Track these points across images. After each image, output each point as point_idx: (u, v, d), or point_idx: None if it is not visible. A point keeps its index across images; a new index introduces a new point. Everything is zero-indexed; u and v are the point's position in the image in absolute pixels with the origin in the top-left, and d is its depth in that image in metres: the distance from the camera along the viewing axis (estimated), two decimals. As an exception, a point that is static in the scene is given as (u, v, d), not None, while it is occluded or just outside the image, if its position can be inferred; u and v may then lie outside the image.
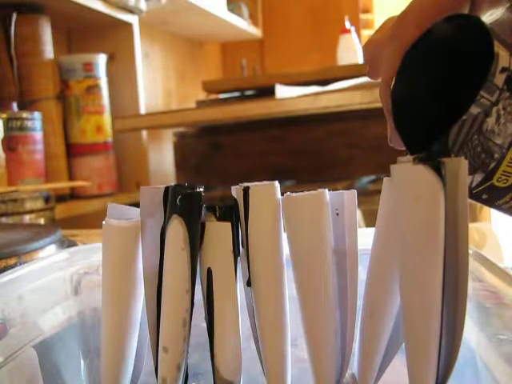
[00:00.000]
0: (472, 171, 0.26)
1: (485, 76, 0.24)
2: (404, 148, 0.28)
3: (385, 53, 0.28)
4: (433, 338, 0.20)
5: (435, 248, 0.20)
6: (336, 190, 0.25)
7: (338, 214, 0.24)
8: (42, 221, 0.86)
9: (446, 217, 0.20)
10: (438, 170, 0.20)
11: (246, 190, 0.24)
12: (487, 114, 0.24)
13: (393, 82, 0.28)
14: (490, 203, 0.28)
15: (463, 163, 0.21)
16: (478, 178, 0.26)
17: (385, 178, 0.23)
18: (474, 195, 0.28)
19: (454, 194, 0.20)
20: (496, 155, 0.25)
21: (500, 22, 0.28)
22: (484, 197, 0.28)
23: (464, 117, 0.24)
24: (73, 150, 1.20)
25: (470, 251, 0.31)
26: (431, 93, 0.28)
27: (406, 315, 0.21)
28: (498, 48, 0.24)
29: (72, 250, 0.40)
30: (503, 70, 0.24)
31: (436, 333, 0.20)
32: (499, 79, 0.24)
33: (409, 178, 0.20)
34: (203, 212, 0.24)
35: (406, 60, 0.27)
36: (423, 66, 0.28)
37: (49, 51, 1.11)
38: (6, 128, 0.95)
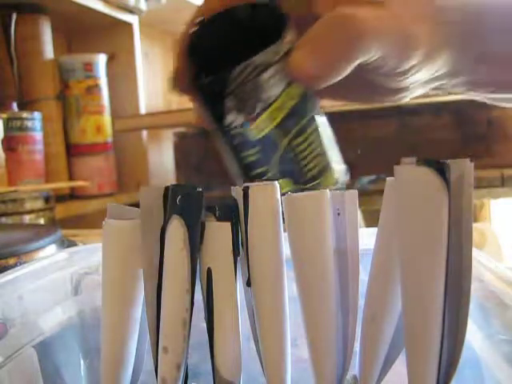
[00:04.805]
0: (237, 112, 0.29)
1: (278, 37, 0.28)
2: (187, 93, 0.32)
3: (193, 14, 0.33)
4: (434, 340, 0.20)
5: (438, 250, 0.20)
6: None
7: (339, 214, 0.24)
8: (42, 221, 0.86)
9: (449, 219, 0.20)
10: (442, 171, 0.20)
11: (245, 190, 0.24)
12: (266, 69, 0.28)
13: (194, 29, 0.32)
14: (238, 151, 0.32)
15: (469, 165, 0.20)
16: (239, 120, 0.30)
17: (388, 179, 0.23)
18: (230, 135, 0.31)
19: (458, 196, 0.20)
20: (260, 106, 0.29)
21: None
22: (236, 142, 0.31)
23: (248, 61, 0.28)
24: (73, 150, 1.20)
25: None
26: (229, 41, 0.32)
27: (407, 317, 0.21)
28: (290, 26, 0.29)
29: (72, 249, 0.40)
30: (289, 42, 0.29)
31: (437, 335, 0.20)
32: (285, 47, 0.29)
33: (412, 180, 0.20)
34: (203, 212, 0.24)
35: (213, 16, 0.32)
36: (226, 23, 0.32)
37: (49, 51, 1.11)
38: (6, 128, 0.95)
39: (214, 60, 0.32)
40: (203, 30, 0.32)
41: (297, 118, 0.31)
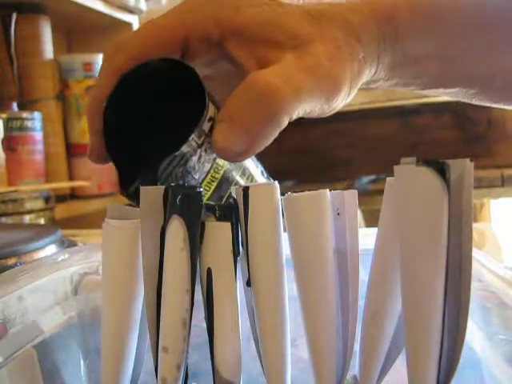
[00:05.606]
0: None
1: (197, 122, 0.28)
2: (105, 163, 0.31)
3: (100, 73, 0.31)
4: (434, 340, 0.20)
5: (438, 250, 0.20)
6: (336, 190, 0.25)
7: (339, 214, 0.24)
8: (42, 221, 0.86)
9: (449, 219, 0.20)
10: (442, 171, 0.20)
11: (245, 190, 0.24)
12: (193, 153, 0.28)
13: (105, 103, 0.30)
14: None
15: (469, 165, 0.21)
16: None
17: (388, 179, 0.23)
18: None
19: (458, 196, 0.20)
20: None
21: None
22: None
23: (176, 153, 0.27)
24: (73, 150, 1.19)
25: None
26: (145, 124, 0.32)
27: (406, 317, 0.21)
28: (209, 99, 0.28)
29: (72, 249, 0.40)
30: (210, 119, 0.28)
31: (437, 335, 0.20)
32: (206, 126, 0.28)
33: (412, 180, 0.20)
34: (203, 212, 0.24)
35: (120, 86, 0.30)
36: (139, 94, 0.30)
37: (49, 51, 1.11)
38: (6, 128, 0.95)
39: (132, 121, 0.31)
40: (116, 94, 0.30)
41: (228, 182, 0.32)
